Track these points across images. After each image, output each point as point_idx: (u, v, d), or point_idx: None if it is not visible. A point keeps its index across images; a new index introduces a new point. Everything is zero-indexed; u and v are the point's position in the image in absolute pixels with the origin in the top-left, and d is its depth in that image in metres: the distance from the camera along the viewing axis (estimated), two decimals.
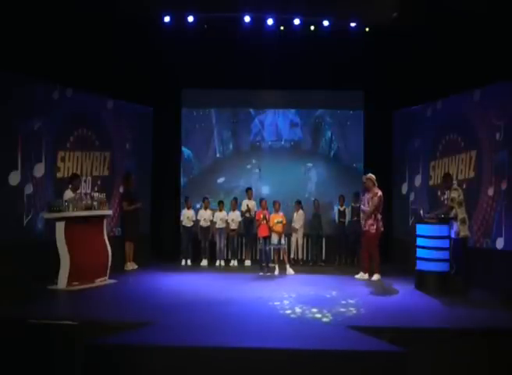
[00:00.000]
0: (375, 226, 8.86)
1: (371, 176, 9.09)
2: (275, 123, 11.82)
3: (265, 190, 11.55)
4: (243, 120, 11.82)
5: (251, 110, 11.83)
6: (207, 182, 11.63)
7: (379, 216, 8.94)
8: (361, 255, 9.24)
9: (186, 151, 11.74)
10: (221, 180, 11.72)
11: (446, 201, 8.63)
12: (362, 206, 9.21)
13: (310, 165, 11.72)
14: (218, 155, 11.82)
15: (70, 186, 8.34)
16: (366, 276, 9.00)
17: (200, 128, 11.77)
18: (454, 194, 7.91)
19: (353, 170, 11.69)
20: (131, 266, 9.92)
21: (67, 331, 5.54)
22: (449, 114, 9.59)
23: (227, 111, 11.78)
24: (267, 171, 11.69)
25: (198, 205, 11.10)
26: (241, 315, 6.30)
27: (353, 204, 10.93)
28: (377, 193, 8.93)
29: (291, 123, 11.81)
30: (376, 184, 9.03)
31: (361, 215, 9.17)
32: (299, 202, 11.00)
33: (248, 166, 11.78)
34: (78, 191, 8.54)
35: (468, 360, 5.36)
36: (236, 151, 11.82)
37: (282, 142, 11.81)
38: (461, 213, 7.83)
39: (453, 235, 7.81)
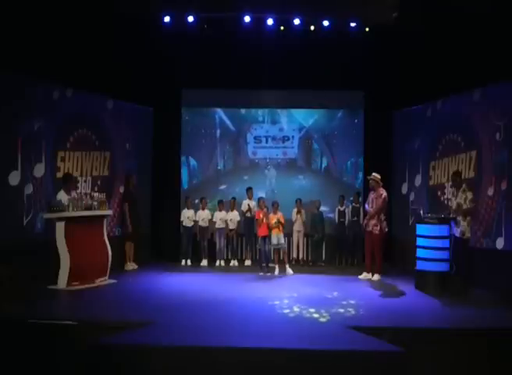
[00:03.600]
0: (378, 227, 8.84)
1: (375, 175, 9.05)
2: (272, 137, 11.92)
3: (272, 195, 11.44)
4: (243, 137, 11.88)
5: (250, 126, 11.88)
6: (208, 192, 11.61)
7: (382, 217, 8.92)
8: (365, 255, 9.22)
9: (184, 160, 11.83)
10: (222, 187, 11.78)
11: (455, 201, 8.14)
12: (366, 206, 9.20)
13: (301, 177, 11.77)
14: (219, 167, 11.88)
15: (64, 187, 8.26)
16: (370, 275, 9.00)
17: (205, 143, 11.79)
18: (470, 195, 7.84)
19: (348, 179, 11.77)
20: (131, 266, 9.93)
21: (67, 331, 5.55)
22: (449, 114, 9.58)
23: (228, 131, 11.83)
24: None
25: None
26: (241, 315, 6.31)
27: (353, 204, 10.94)
28: (382, 194, 8.91)
29: (285, 138, 11.86)
30: (381, 184, 9.01)
31: (362, 215, 9.14)
32: (300, 201, 10.97)
33: (245, 177, 11.81)
34: (78, 191, 8.51)
35: (468, 360, 5.37)
36: (235, 165, 11.88)
37: (279, 160, 11.85)
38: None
39: (457, 234, 7.77)
